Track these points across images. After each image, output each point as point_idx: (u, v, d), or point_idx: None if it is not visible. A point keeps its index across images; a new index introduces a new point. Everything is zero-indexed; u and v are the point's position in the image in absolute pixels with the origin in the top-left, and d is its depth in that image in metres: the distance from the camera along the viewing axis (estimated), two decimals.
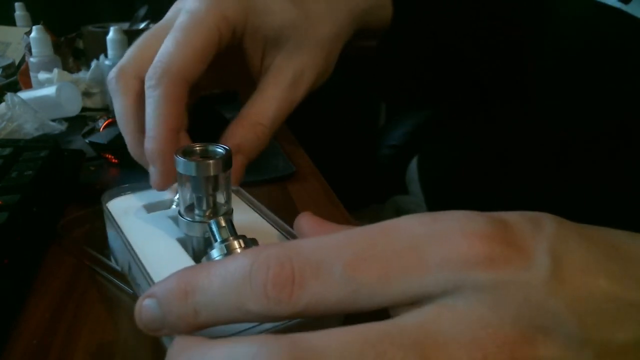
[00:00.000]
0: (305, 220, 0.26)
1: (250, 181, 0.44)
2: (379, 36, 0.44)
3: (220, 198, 0.28)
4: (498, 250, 0.16)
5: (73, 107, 0.62)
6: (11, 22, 0.92)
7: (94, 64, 0.67)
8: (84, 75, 0.67)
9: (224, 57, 0.33)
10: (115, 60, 0.63)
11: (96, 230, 0.35)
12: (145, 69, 0.30)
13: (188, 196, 0.28)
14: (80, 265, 0.32)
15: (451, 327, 0.16)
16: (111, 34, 0.64)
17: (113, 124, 0.48)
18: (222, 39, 0.32)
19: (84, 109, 0.64)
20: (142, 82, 0.30)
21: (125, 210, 0.31)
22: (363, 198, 0.71)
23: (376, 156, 0.79)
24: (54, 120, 0.56)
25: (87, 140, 0.49)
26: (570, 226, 0.18)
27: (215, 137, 0.32)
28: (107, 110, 0.65)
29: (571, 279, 0.16)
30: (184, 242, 0.28)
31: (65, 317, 0.28)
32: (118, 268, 0.30)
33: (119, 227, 0.29)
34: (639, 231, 0.18)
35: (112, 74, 0.32)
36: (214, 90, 0.62)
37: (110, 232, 0.32)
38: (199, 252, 0.28)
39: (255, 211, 0.32)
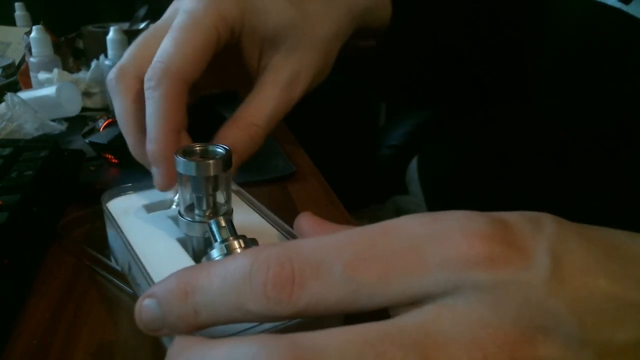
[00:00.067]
0: (305, 220, 0.26)
1: (250, 181, 0.44)
2: (379, 36, 0.43)
3: (220, 198, 0.28)
4: (498, 250, 0.16)
5: (73, 107, 0.62)
6: (11, 22, 0.92)
7: (94, 64, 0.67)
8: (84, 75, 0.67)
9: (222, 56, 0.33)
10: (115, 60, 0.63)
11: (96, 230, 0.35)
12: (144, 69, 0.30)
13: (188, 196, 0.28)
14: (80, 265, 0.32)
15: (451, 327, 0.16)
16: (111, 34, 0.64)
17: (113, 124, 0.48)
18: (221, 38, 0.32)
19: (84, 109, 0.64)
20: (142, 82, 0.30)
21: (125, 210, 0.31)
22: (363, 198, 0.70)
23: (376, 156, 0.79)
24: (54, 120, 0.56)
25: (87, 140, 0.49)
26: (570, 226, 0.18)
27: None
28: (107, 110, 0.65)
29: (571, 279, 0.16)
30: (184, 242, 0.28)
31: (65, 317, 0.28)
32: (118, 268, 0.30)
33: (119, 227, 0.29)
34: (639, 231, 0.18)
35: (111, 74, 0.32)
36: (213, 90, 0.62)
37: (110, 232, 0.32)
38: (199, 252, 0.28)
39: (255, 211, 0.32)
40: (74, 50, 0.80)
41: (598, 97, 0.36)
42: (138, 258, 0.26)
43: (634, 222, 0.21)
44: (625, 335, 0.16)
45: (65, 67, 0.72)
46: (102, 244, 0.33)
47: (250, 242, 0.24)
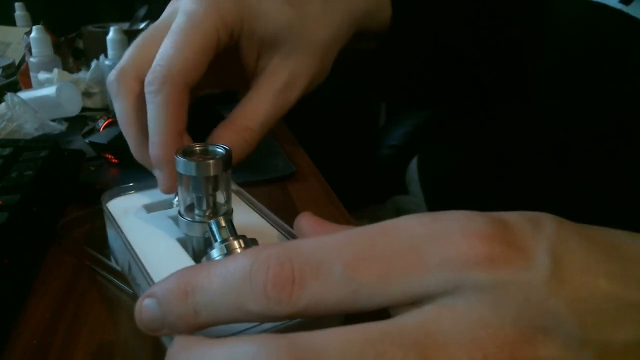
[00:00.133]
0: (305, 220, 0.26)
1: (250, 181, 0.44)
2: (379, 38, 0.43)
3: (220, 198, 0.28)
4: (498, 250, 0.16)
5: (73, 107, 0.62)
6: (11, 22, 0.92)
7: (94, 64, 0.67)
8: (84, 75, 0.67)
9: (220, 57, 0.33)
10: (115, 60, 0.63)
11: (96, 230, 0.35)
12: (145, 70, 0.30)
13: (188, 196, 0.28)
14: (80, 265, 0.32)
15: (451, 327, 0.16)
16: (111, 34, 0.64)
17: (113, 124, 0.48)
18: (221, 41, 0.32)
19: (84, 109, 0.64)
20: (143, 84, 0.30)
21: (125, 210, 0.31)
22: (363, 198, 0.70)
23: (376, 156, 0.79)
24: (54, 120, 0.56)
25: (87, 140, 0.49)
26: (570, 226, 0.18)
27: None
28: (107, 110, 0.65)
29: (571, 279, 0.16)
30: (184, 242, 0.28)
31: (65, 317, 0.28)
32: (118, 268, 0.30)
33: (119, 227, 0.29)
34: (639, 231, 0.18)
35: (112, 76, 0.32)
36: (213, 91, 0.62)
37: (110, 232, 0.32)
38: (199, 252, 0.28)
39: (255, 211, 0.32)
40: (74, 50, 0.80)
41: (598, 97, 0.36)
42: (138, 258, 0.26)
43: (634, 222, 0.21)
44: (625, 335, 0.16)
45: (65, 67, 0.72)
46: (102, 244, 0.33)
47: (250, 242, 0.24)
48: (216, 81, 0.38)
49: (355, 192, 0.58)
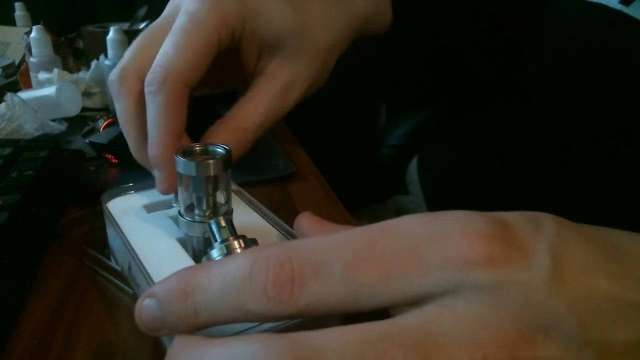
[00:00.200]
0: (305, 220, 0.26)
1: (250, 181, 0.44)
2: (380, 41, 0.43)
3: (220, 198, 0.28)
4: (498, 250, 0.16)
5: (73, 107, 0.62)
6: (11, 22, 0.92)
7: (94, 64, 0.67)
8: (84, 75, 0.67)
9: (221, 58, 0.33)
10: (115, 60, 0.63)
11: (96, 230, 0.35)
12: (146, 70, 0.30)
13: (188, 196, 0.28)
14: (80, 265, 0.32)
15: (451, 327, 0.16)
16: (111, 34, 0.64)
17: (113, 124, 0.48)
18: (222, 42, 0.31)
19: (84, 109, 0.64)
20: (143, 83, 0.30)
21: (125, 210, 0.31)
22: (363, 198, 0.71)
23: (376, 156, 0.79)
24: (54, 120, 0.56)
25: (87, 140, 0.49)
26: (570, 226, 0.18)
27: None
28: (107, 110, 0.65)
29: (571, 279, 0.16)
30: (184, 242, 0.28)
31: (65, 317, 0.28)
32: (118, 268, 0.30)
33: (119, 227, 0.29)
34: (639, 231, 0.18)
35: (113, 76, 0.32)
36: (213, 91, 0.62)
37: (110, 232, 0.32)
38: (199, 252, 0.28)
39: (255, 211, 0.32)
40: (74, 50, 0.80)
41: (598, 97, 0.36)
42: (138, 258, 0.26)
43: (634, 222, 0.21)
44: (625, 335, 0.16)
45: (65, 67, 0.72)
46: (102, 244, 0.33)
47: (250, 242, 0.24)
48: (216, 81, 0.37)
49: (355, 192, 0.58)
